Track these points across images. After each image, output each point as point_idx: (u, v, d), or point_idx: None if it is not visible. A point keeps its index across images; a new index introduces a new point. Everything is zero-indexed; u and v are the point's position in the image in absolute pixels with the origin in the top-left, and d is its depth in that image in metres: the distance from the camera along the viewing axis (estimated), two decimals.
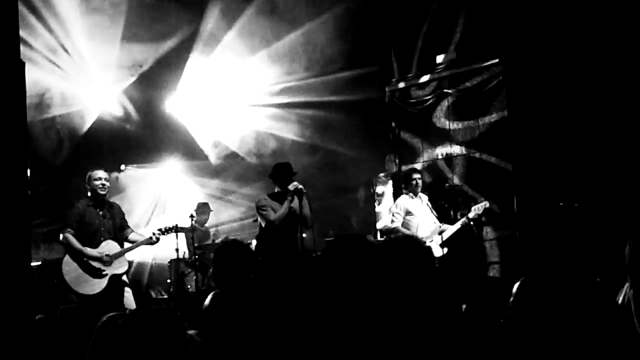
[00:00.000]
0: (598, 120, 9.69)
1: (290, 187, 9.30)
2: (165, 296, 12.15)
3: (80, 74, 12.56)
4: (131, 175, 14.07)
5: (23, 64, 4.00)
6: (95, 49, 12.27)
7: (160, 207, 14.09)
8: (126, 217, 9.55)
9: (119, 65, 12.77)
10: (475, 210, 10.37)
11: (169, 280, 11.66)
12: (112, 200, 9.53)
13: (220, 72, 13.65)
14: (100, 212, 9.04)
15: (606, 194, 9.49)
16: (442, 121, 12.72)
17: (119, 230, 9.20)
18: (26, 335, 3.89)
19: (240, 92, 14.06)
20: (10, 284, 3.91)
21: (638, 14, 9.28)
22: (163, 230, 9.61)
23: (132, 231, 9.44)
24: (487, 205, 10.41)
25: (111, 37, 12.16)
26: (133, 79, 13.25)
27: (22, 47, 4.16)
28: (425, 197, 10.92)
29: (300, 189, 9.30)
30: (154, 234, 9.45)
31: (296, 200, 9.36)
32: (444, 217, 10.94)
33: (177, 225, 10.82)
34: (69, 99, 12.59)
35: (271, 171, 9.73)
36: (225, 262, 5.20)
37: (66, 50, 12.10)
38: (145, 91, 13.52)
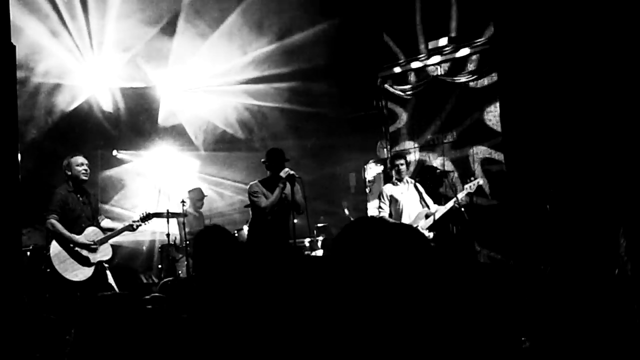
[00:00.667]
0: (589, 109, 9.72)
1: (282, 173, 9.28)
2: (156, 281, 12.13)
3: (79, 51, 12.51)
4: (128, 169, 14.09)
5: (14, 47, 3.98)
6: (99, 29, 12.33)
7: (164, 194, 14.01)
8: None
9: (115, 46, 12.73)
10: (468, 188, 10.35)
11: (160, 266, 11.65)
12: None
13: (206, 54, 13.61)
14: (81, 198, 9.01)
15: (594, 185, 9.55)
16: (434, 107, 12.81)
17: (95, 217, 9.20)
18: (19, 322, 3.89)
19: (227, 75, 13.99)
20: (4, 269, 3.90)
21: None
22: (143, 216, 9.52)
23: (104, 218, 9.43)
24: (481, 182, 10.40)
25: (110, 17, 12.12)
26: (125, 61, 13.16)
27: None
28: (411, 182, 10.92)
29: (293, 174, 9.29)
30: (134, 221, 9.43)
31: (288, 186, 9.36)
32: (437, 200, 10.96)
33: (168, 210, 10.89)
34: (64, 72, 12.50)
35: (264, 157, 9.68)
36: (204, 248, 5.18)
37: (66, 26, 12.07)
38: (135, 76, 13.48)
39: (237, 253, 4.99)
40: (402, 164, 10.83)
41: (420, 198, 10.76)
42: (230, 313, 4.00)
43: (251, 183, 9.66)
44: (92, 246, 8.83)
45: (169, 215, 10.91)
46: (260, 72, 13.80)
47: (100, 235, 8.99)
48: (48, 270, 8.65)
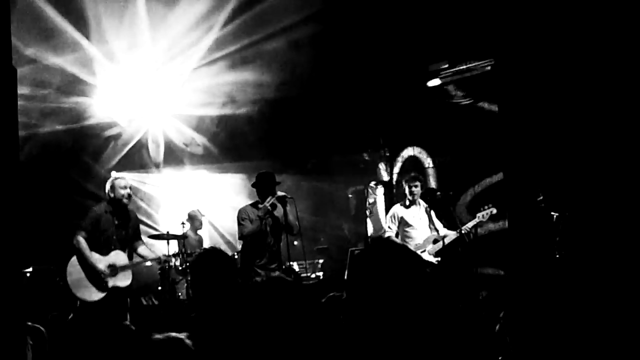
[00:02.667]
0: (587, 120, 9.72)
1: (267, 203, 9.25)
2: (156, 303, 12.10)
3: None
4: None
5: (15, 71, 3.98)
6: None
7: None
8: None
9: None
10: (480, 217, 10.34)
11: (160, 288, 11.65)
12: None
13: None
14: (117, 221, 8.95)
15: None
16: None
17: (131, 241, 9.14)
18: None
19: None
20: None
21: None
22: (171, 255, 9.83)
23: (143, 244, 9.37)
24: (494, 211, 10.38)
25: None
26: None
27: None
28: (423, 205, 10.93)
29: (283, 196, 9.23)
30: (163, 255, 9.59)
31: (280, 208, 9.34)
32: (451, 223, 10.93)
33: (168, 232, 10.91)
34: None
35: (254, 181, 9.63)
36: (201, 271, 5.17)
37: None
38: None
39: (234, 277, 4.97)
40: (416, 186, 10.83)
41: (430, 222, 10.75)
42: (226, 336, 3.99)
43: (240, 208, 9.60)
44: (106, 272, 8.73)
45: (168, 237, 10.93)
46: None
47: (124, 262, 8.94)
48: (61, 283, 8.79)
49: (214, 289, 4.84)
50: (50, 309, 8.77)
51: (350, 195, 14.94)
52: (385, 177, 13.71)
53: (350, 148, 14.28)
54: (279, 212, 9.37)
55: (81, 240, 8.65)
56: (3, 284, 3.87)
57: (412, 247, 9.92)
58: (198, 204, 13.56)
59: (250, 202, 9.69)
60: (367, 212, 13.69)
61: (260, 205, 9.35)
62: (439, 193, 11.68)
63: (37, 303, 9.25)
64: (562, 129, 9.66)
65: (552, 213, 9.46)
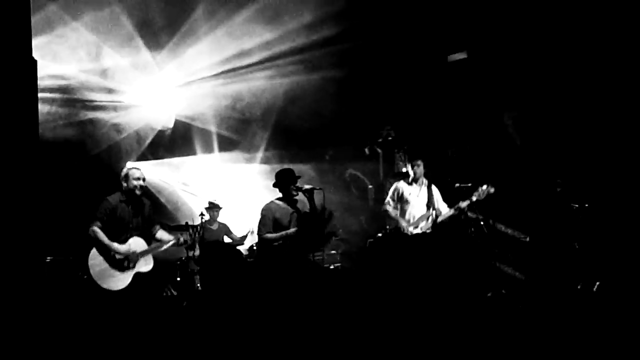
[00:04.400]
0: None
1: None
2: (175, 293, 12.12)
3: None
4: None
5: (35, 62, 3.99)
6: None
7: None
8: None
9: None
10: (478, 194, 10.41)
11: (178, 279, 11.64)
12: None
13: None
14: (132, 209, 9.08)
15: None
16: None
17: (147, 227, 9.26)
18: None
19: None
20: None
21: None
22: (192, 234, 9.85)
23: (160, 228, 9.48)
24: (492, 190, 10.40)
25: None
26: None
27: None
28: (425, 183, 11.07)
29: (311, 188, 9.18)
30: (181, 234, 9.58)
31: (307, 202, 9.24)
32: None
33: (187, 223, 10.96)
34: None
35: (274, 181, 9.58)
36: (209, 264, 5.20)
37: None
38: None
39: (241, 269, 4.98)
40: (418, 165, 11.06)
41: (430, 200, 10.81)
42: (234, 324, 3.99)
43: (265, 204, 9.41)
44: (131, 257, 8.88)
45: (187, 227, 10.96)
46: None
47: (143, 247, 9.07)
48: (85, 277, 8.71)
49: (221, 281, 4.84)
50: (71, 300, 8.75)
51: (370, 186, 14.89)
52: (403, 169, 13.66)
53: (364, 140, 14.33)
54: (305, 206, 9.35)
55: (97, 230, 8.73)
56: (23, 272, 3.88)
57: (404, 222, 10.75)
58: (220, 193, 13.64)
59: (275, 196, 9.69)
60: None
61: (283, 204, 9.32)
62: (457, 185, 11.68)
63: (58, 294, 9.24)
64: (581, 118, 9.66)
65: (572, 204, 9.47)
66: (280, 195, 9.40)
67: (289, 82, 13.59)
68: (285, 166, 9.66)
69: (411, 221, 10.81)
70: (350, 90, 13.33)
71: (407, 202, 10.95)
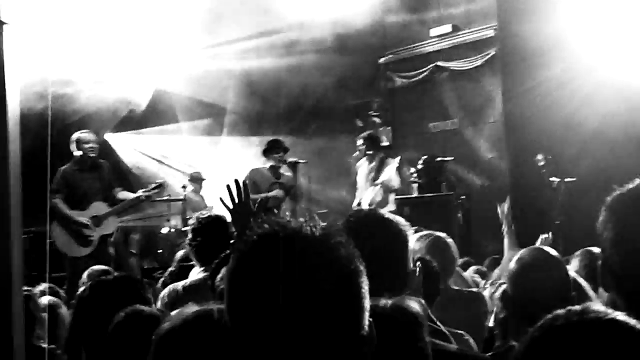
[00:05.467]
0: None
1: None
2: (157, 266, 12.16)
3: None
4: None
5: (1, 25, 3.85)
6: None
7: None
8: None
9: None
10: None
11: (159, 250, 11.68)
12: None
13: None
14: (88, 175, 9.16)
15: None
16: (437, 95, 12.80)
17: (108, 190, 9.31)
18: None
19: None
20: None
21: None
22: (150, 189, 9.68)
23: (121, 189, 9.56)
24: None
25: None
26: None
27: None
28: (365, 163, 10.91)
29: (294, 161, 9.60)
30: (143, 191, 9.64)
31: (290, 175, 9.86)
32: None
33: (169, 196, 11.02)
34: None
35: (264, 147, 9.97)
36: (200, 237, 5.20)
37: None
38: None
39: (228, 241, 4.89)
40: (360, 145, 10.94)
41: (371, 172, 10.72)
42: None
43: (253, 169, 9.92)
44: (90, 224, 8.95)
45: (170, 200, 11.05)
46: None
47: (104, 210, 9.13)
48: (53, 252, 8.72)
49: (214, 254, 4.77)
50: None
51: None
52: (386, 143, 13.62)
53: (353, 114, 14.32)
54: (288, 180, 9.66)
55: (57, 202, 8.85)
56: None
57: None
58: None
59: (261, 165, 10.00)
60: None
61: (268, 172, 9.83)
62: (438, 158, 11.67)
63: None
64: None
65: (553, 178, 9.45)
66: (264, 164, 9.75)
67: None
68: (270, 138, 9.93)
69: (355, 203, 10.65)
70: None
71: (355, 181, 10.89)
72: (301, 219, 1.63)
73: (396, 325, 2.00)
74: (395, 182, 10.53)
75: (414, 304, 2.70)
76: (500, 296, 3.31)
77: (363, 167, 10.85)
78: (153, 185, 9.72)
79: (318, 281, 1.54)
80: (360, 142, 10.96)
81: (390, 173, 10.51)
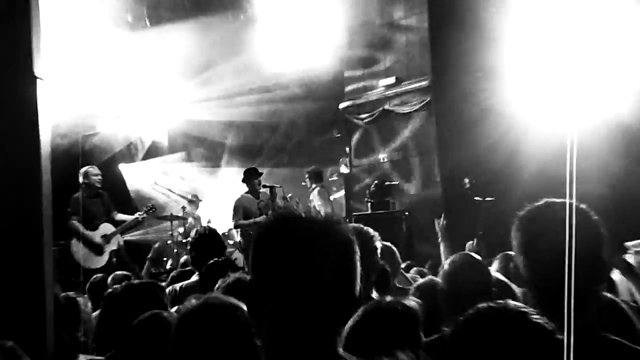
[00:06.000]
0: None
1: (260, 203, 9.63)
2: (163, 270, 12.03)
3: None
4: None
5: (35, 79, 3.83)
6: None
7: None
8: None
9: None
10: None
11: (165, 259, 11.58)
12: None
13: None
14: (95, 201, 9.34)
15: None
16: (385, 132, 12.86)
17: (109, 213, 9.46)
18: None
19: None
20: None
21: None
22: (144, 211, 9.82)
23: (117, 213, 9.65)
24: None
25: None
26: None
27: None
28: (316, 190, 11.10)
29: (271, 186, 9.70)
30: (139, 214, 9.78)
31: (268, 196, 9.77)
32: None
33: (171, 213, 10.98)
34: None
35: (242, 177, 9.97)
36: (196, 249, 5.22)
37: None
38: None
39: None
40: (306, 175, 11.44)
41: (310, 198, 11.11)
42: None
43: (237, 198, 9.88)
44: (101, 242, 9.17)
45: (172, 217, 11.08)
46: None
47: (111, 230, 9.30)
48: (71, 263, 8.88)
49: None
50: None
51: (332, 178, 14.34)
52: (346, 171, 13.57)
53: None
54: (267, 199, 9.78)
55: (76, 223, 8.99)
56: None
57: None
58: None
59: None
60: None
61: (250, 196, 9.76)
62: (386, 183, 11.66)
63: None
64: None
65: (476, 198, 9.42)
66: (247, 189, 9.67)
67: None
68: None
69: None
70: None
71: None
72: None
73: (398, 317, 2.00)
74: (319, 206, 10.65)
75: (412, 302, 2.73)
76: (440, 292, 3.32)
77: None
78: (145, 209, 9.85)
79: (323, 251, 1.61)
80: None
81: (315, 200, 10.77)
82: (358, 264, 1.67)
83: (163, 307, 3.13)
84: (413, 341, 2.36)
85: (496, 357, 1.55)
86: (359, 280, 1.66)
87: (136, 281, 4.10)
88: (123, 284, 3.94)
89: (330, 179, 13.73)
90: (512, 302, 1.67)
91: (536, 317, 1.59)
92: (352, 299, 1.66)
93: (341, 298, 1.63)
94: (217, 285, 3.66)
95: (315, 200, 10.68)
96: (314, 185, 10.97)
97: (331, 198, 11.91)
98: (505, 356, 1.54)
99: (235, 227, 9.88)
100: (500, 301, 1.70)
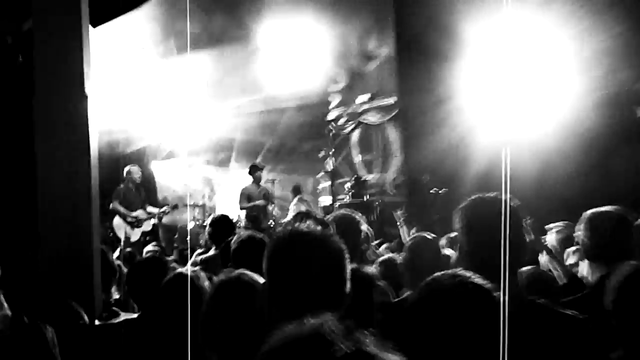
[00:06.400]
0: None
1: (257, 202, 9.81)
2: (186, 247, 11.93)
3: None
4: None
5: (86, 97, 3.82)
6: None
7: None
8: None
9: None
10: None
11: (188, 238, 11.52)
12: None
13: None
14: (134, 193, 9.52)
15: None
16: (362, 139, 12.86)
17: (143, 203, 9.61)
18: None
19: None
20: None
21: None
22: (166, 208, 9.93)
23: (149, 205, 9.78)
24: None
25: None
26: None
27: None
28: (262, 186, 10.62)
29: (271, 179, 9.84)
30: (164, 209, 9.88)
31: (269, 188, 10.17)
32: None
33: (194, 202, 11.13)
34: None
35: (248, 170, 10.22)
36: (213, 229, 5.26)
37: None
38: None
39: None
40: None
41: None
42: None
43: (243, 186, 10.07)
44: (134, 222, 9.37)
45: (194, 205, 11.12)
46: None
47: (144, 216, 9.48)
48: (111, 234, 9.36)
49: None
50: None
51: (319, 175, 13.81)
52: (330, 168, 13.45)
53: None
54: (267, 189, 10.15)
55: (117, 204, 9.28)
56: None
57: None
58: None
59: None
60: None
61: (253, 185, 9.97)
62: (363, 178, 11.60)
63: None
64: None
65: (433, 190, 9.43)
66: (252, 180, 10.00)
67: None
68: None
69: None
70: None
71: None
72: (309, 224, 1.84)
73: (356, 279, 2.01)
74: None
75: (371, 269, 2.74)
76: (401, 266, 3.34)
77: None
78: (168, 207, 9.99)
79: (321, 259, 1.69)
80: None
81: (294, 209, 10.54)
82: (348, 267, 1.74)
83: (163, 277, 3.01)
84: (366, 299, 2.35)
85: (452, 312, 1.58)
86: (349, 281, 1.72)
87: (144, 257, 4.06)
88: (141, 257, 3.90)
89: (318, 177, 13.56)
90: (461, 270, 1.70)
91: (479, 281, 1.62)
92: (344, 293, 1.71)
93: (334, 292, 1.69)
94: (232, 239, 3.70)
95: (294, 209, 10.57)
96: (294, 199, 10.85)
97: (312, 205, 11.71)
98: (458, 311, 1.57)
99: (241, 209, 9.97)
100: (452, 270, 1.72)
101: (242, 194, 9.84)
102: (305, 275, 1.66)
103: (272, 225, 9.96)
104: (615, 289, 2.04)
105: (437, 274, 1.69)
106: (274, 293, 1.71)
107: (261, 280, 1.95)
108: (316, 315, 0.97)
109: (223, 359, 1.95)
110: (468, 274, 1.66)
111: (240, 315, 1.94)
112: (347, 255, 1.73)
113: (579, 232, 2.82)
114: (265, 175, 10.29)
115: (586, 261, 3.04)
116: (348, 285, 1.71)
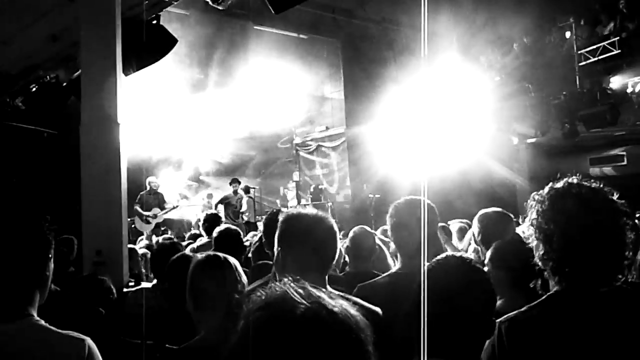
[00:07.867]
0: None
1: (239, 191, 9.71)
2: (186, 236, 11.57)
3: None
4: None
5: (118, 125, 3.81)
6: None
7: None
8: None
9: None
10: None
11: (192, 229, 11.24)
12: None
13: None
14: (153, 197, 9.48)
15: None
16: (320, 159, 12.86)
17: (160, 205, 9.52)
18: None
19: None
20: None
21: None
22: (169, 208, 9.67)
23: (164, 205, 9.64)
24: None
25: None
26: None
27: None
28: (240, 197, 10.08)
29: (246, 187, 10.09)
30: (168, 208, 9.61)
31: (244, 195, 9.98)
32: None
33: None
34: None
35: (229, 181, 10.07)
36: (206, 223, 5.20)
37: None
38: None
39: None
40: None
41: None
42: None
43: (224, 195, 9.93)
44: (150, 219, 9.33)
45: (193, 205, 10.93)
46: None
47: (159, 213, 9.44)
48: (134, 227, 9.21)
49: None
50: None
51: (288, 185, 13.51)
52: (297, 179, 13.43)
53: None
54: (241, 197, 9.85)
55: (137, 208, 9.26)
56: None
57: None
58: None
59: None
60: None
61: (232, 194, 9.78)
62: (320, 186, 11.50)
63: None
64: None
65: (370, 195, 9.47)
66: (232, 190, 9.83)
67: None
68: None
69: None
70: None
71: None
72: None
73: None
74: (245, 209, 10.14)
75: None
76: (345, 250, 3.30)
77: None
78: (171, 206, 9.74)
79: (321, 229, 1.59)
80: (238, 187, 10.12)
81: (244, 205, 10.08)
82: (339, 241, 1.64)
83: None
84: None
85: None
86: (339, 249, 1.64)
87: (165, 243, 3.95)
88: (163, 243, 3.84)
89: (287, 185, 13.55)
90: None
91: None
92: (332, 258, 1.64)
93: (327, 260, 1.62)
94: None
95: (244, 205, 10.12)
96: (245, 197, 10.25)
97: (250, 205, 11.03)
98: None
99: (216, 204, 9.79)
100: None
101: (221, 199, 9.85)
102: (310, 243, 1.58)
103: (243, 221, 9.91)
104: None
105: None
106: (284, 257, 1.60)
107: (232, 259, 1.92)
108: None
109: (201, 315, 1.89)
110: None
111: (218, 280, 1.88)
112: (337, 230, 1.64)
113: (474, 224, 2.90)
114: (241, 187, 10.01)
115: (473, 245, 3.16)
116: (337, 255, 1.64)
